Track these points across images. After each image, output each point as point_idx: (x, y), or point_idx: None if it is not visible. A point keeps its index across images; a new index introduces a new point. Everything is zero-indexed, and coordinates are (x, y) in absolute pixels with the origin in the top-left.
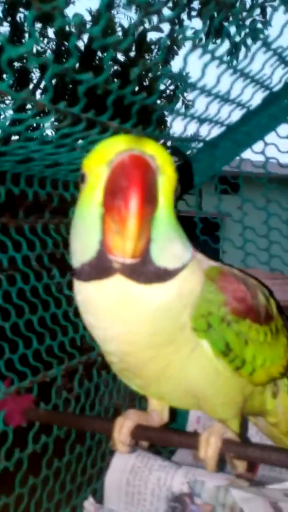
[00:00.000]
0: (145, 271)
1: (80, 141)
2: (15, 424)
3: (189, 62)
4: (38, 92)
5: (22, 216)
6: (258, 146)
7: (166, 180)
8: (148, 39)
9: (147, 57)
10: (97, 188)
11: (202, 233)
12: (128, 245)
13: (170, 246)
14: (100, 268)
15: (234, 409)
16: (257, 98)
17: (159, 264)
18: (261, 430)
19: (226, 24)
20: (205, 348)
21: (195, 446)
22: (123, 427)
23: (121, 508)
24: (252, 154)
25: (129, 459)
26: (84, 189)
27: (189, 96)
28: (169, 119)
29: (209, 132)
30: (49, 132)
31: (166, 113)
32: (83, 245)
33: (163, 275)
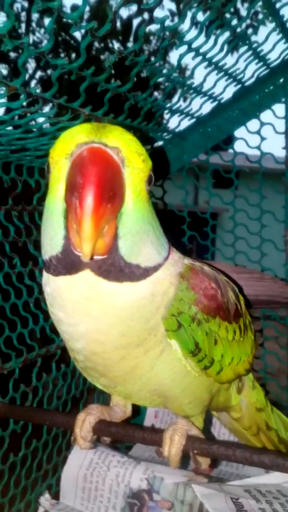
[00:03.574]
0: (113, 268)
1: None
2: None
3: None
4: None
5: None
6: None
7: (133, 173)
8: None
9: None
10: (60, 182)
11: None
12: (84, 246)
13: (141, 243)
14: (67, 263)
15: (200, 407)
16: (229, 91)
17: (130, 261)
18: (224, 425)
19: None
20: (174, 349)
21: (159, 443)
22: (84, 422)
23: (77, 504)
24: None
25: (87, 454)
26: (50, 181)
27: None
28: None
29: (179, 123)
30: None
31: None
32: (50, 239)
33: (134, 273)
